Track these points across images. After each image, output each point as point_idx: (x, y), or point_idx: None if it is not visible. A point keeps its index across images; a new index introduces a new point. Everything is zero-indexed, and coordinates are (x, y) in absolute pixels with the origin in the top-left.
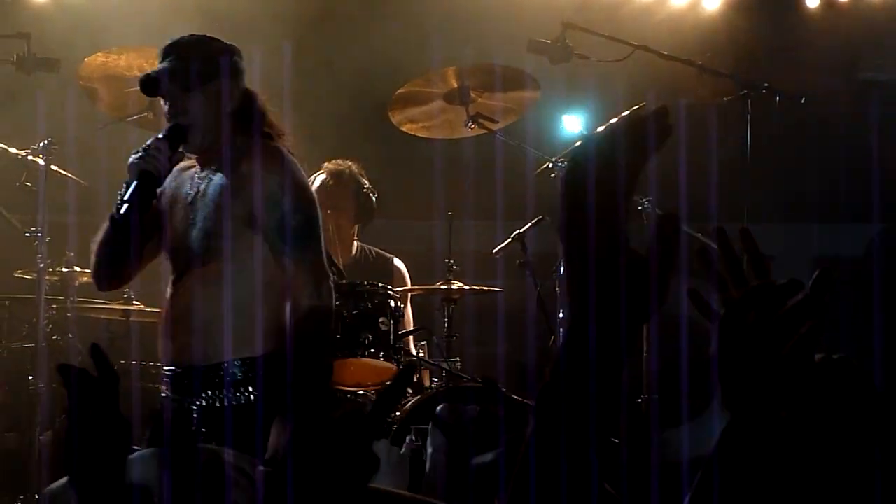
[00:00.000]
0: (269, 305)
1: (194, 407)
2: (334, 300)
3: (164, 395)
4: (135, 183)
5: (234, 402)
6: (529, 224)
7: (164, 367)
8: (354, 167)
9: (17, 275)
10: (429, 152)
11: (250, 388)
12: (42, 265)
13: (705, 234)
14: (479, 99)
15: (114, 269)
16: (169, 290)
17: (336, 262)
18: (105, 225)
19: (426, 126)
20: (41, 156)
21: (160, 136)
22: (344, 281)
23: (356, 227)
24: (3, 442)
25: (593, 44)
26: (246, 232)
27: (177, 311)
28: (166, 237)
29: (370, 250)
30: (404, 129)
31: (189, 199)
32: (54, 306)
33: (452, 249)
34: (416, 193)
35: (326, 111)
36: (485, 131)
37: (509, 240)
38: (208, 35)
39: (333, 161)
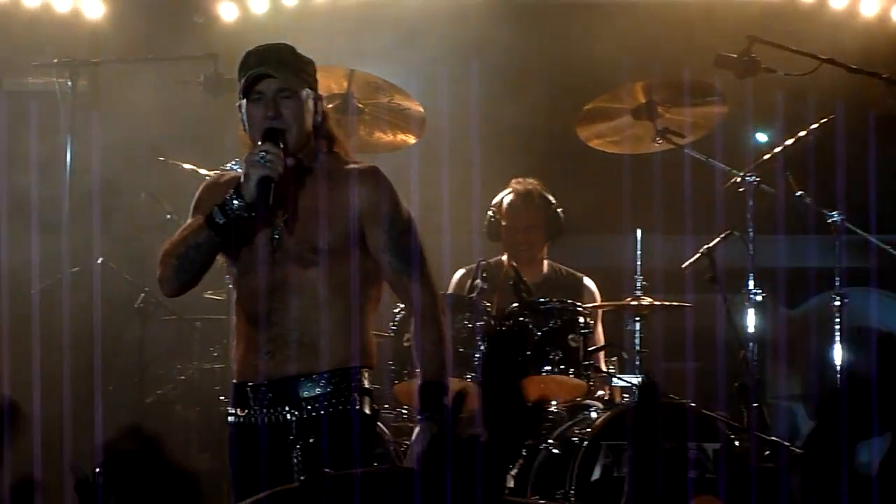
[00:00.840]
0: (363, 318)
1: (292, 416)
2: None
3: (245, 411)
4: (258, 189)
5: (333, 410)
6: (718, 239)
7: (249, 382)
8: (539, 185)
9: (207, 295)
10: (616, 167)
11: (344, 398)
12: (232, 286)
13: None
14: (667, 114)
15: (197, 274)
16: (262, 301)
17: (524, 279)
18: (192, 229)
19: (613, 141)
20: None
21: (265, 140)
22: (532, 299)
23: (546, 245)
24: (197, 462)
25: (780, 57)
26: (341, 249)
27: (271, 321)
28: (259, 245)
29: (560, 269)
30: (592, 144)
31: (290, 208)
32: None
33: (641, 265)
34: (604, 209)
35: (514, 128)
36: (672, 146)
37: (698, 255)
38: (293, 47)
39: (520, 180)
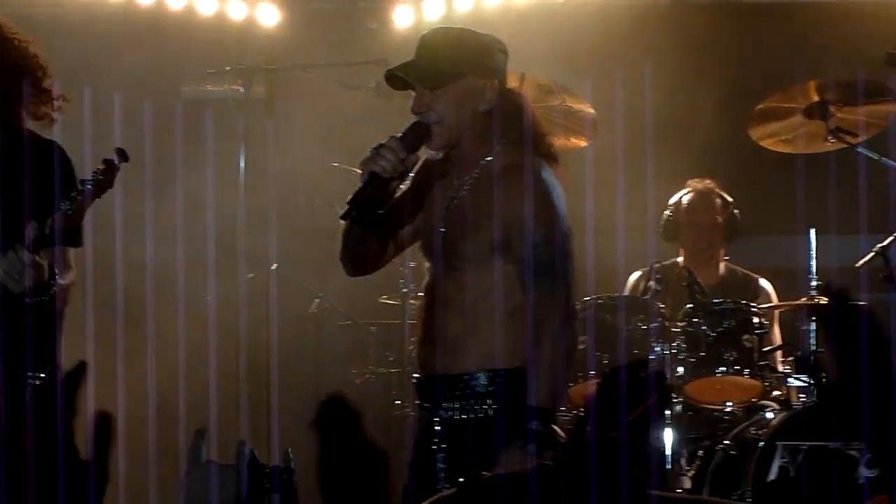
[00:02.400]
0: (511, 323)
1: (437, 418)
2: (576, 339)
3: (416, 403)
4: (364, 184)
5: (475, 415)
6: (892, 237)
7: (413, 374)
8: (716, 185)
9: (381, 300)
10: (789, 167)
11: (490, 402)
12: (406, 290)
13: None
14: (839, 113)
15: (354, 260)
16: (422, 293)
17: (698, 280)
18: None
19: (786, 140)
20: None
21: (399, 135)
22: (707, 300)
23: (723, 245)
24: None
25: None
26: (494, 252)
27: (425, 316)
28: (422, 235)
29: (736, 270)
30: (764, 144)
31: (445, 203)
32: None
33: (816, 265)
34: (777, 209)
35: (686, 129)
36: (845, 145)
37: (872, 253)
38: (472, 29)
39: (698, 180)
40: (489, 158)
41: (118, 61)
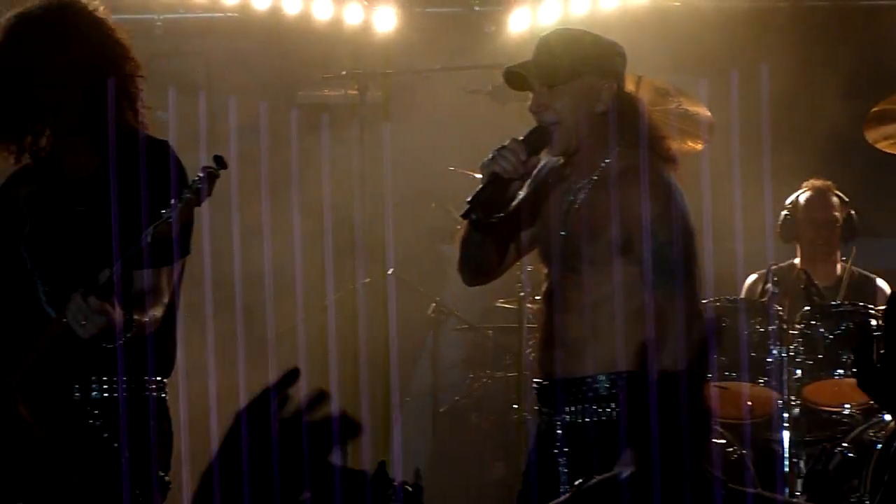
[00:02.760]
0: (634, 324)
1: (558, 423)
2: (703, 338)
3: (535, 408)
4: (484, 185)
5: (596, 418)
6: None
7: (533, 379)
8: (834, 186)
9: (499, 304)
10: None
11: (613, 405)
12: (523, 293)
13: None
14: None
15: (472, 266)
16: (540, 299)
17: (815, 282)
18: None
19: None
20: None
21: (520, 137)
22: (824, 302)
23: (839, 245)
24: (491, 471)
25: None
26: (616, 254)
27: (545, 321)
28: (540, 241)
29: (854, 271)
30: (880, 146)
31: (563, 207)
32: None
33: None
34: (893, 211)
35: (802, 131)
36: None
37: None
38: (587, 31)
39: (816, 180)
40: (608, 161)
41: (234, 67)
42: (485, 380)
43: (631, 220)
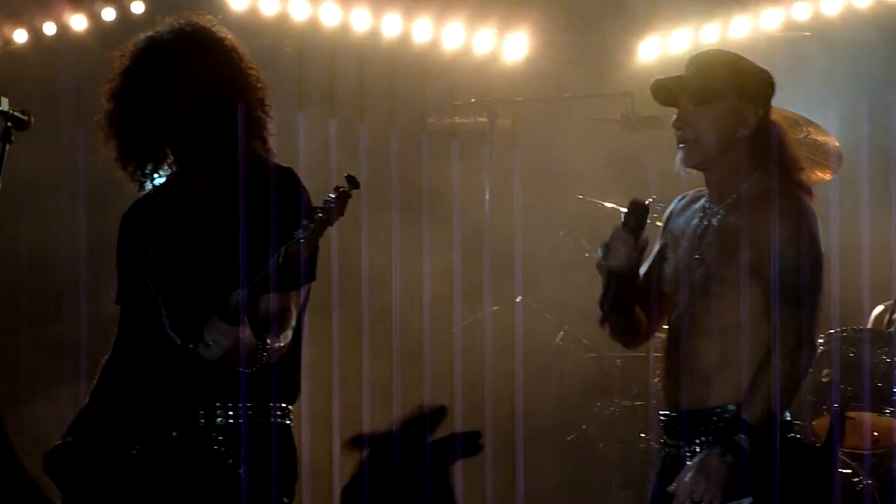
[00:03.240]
0: (761, 352)
1: (688, 454)
2: (808, 370)
3: (661, 440)
4: (604, 285)
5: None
6: None
7: (660, 412)
8: None
9: None
10: None
11: (741, 435)
12: None
13: None
14: None
15: (630, 339)
16: (668, 327)
17: None
18: None
19: None
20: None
21: (620, 223)
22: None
23: None
24: (618, 501)
25: None
26: (748, 278)
27: (671, 350)
28: (669, 269)
29: None
30: None
31: (698, 231)
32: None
33: None
34: None
35: None
36: None
37: None
38: (741, 55)
39: None
40: (745, 185)
41: (365, 93)
42: (612, 408)
43: (763, 241)
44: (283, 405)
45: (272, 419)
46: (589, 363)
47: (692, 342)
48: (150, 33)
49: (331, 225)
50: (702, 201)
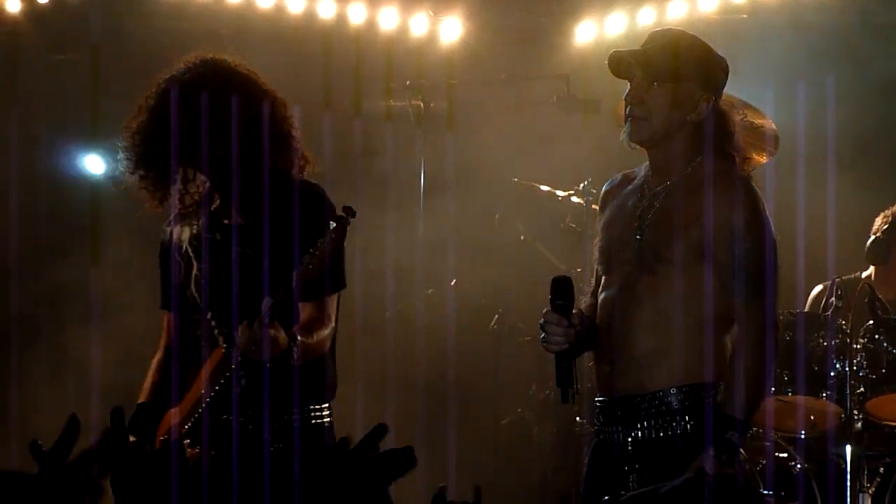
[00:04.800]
0: (709, 336)
1: (629, 439)
2: (776, 351)
3: (595, 426)
4: (555, 368)
5: (671, 433)
6: None
7: (596, 398)
8: None
9: None
10: None
11: (687, 418)
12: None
13: None
14: None
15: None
16: (600, 310)
17: (879, 297)
18: None
19: None
20: (583, 197)
21: (548, 306)
22: (888, 316)
23: None
24: (553, 484)
25: None
26: (699, 254)
27: (604, 333)
28: (606, 249)
29: None
30: None
31: (637, 212)
32: None
33: None
34: None
35: (870, 144)
36: None
37: None
38: (702, 39)
39: None
40: (689, 168)
41: (298, 76)
42: (548, 392)
43: (720, 222)
44: (315, 406)
45: (315, 420)
46: (524, 347)
47: (629, 324)
48: (169, 74)
49: (335, 251)
50: (636, 181)
